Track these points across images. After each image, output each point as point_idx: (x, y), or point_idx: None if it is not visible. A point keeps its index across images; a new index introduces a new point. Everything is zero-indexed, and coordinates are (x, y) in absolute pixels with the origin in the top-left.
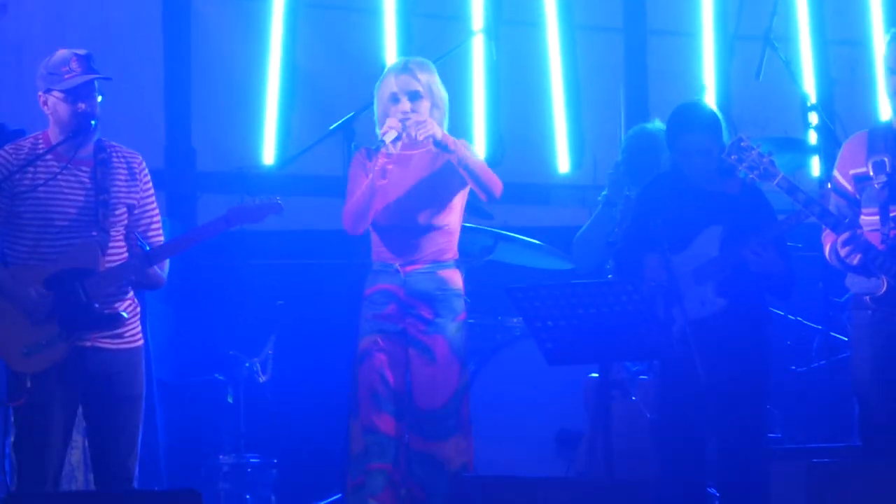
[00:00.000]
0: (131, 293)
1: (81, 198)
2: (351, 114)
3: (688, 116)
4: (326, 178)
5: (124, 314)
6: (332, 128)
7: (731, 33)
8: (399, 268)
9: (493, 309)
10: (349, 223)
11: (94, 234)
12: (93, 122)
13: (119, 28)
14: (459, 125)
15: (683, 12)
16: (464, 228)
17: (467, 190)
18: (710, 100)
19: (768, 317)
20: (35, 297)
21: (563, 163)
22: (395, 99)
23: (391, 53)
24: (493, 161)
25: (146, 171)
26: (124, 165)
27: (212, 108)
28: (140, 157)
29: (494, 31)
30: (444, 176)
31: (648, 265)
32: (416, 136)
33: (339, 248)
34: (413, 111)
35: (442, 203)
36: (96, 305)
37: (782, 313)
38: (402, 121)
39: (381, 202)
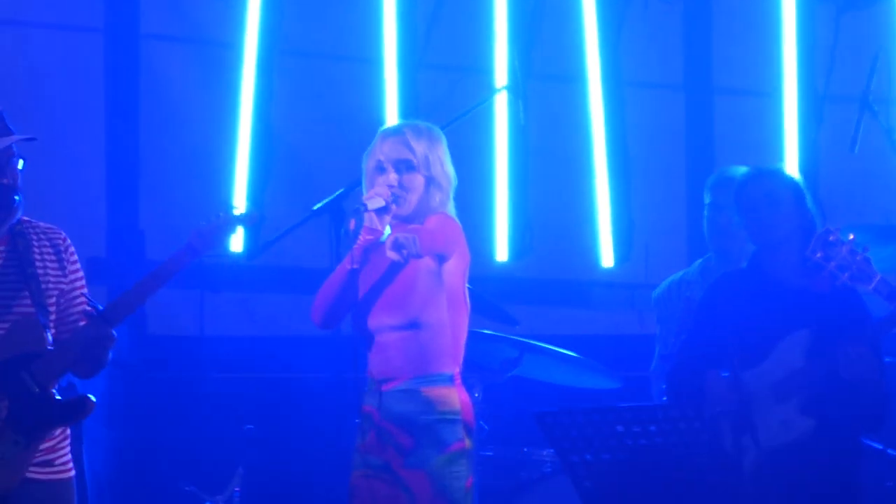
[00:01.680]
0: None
1: (4, 276)
2: (340, 190)
3: (763, 169)
4: (308, 272)
5: (91, 397)
6: (315, 208)
7: (819, 94)
8: (378, 385)
9: (518, 438)
10: (315, 313)
11: (31, 309)
12: (16, 198)
13: (47, 75)
14: (476, 206)
15: (758, 67)
16: (482, 336)
17: (456, 273)
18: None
19: (861, 449)
20: None
21: (607, 254)
22: (380, 168)
23: (392, 115)
24: (519, 252)
25: (72, 249)
26: (47, 244)
27: (165, 180)
28: (63, 233)
29: (522, 87)
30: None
31: (711, 385)
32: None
33: (324, 358)
34: (401, 186)
35: (418, 295)
36: (55, 394)
37: (880, 447)
38: (392, 191)
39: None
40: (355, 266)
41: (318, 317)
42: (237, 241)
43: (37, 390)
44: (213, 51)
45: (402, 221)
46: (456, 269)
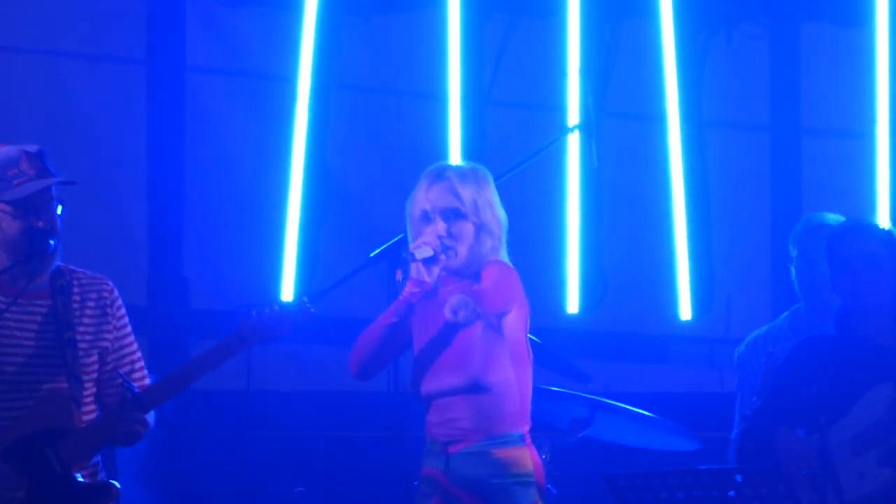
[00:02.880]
0: (97, 464)
1: (39, 339)
2: (399, 236)
3: (855, 223)
4: (363, 323)
5: (116, 483)
6: (372, 255)
7: None
8: (443, 448)
9: (588, 503)
10: (352, 364)
11: (63, 383)
12: (51, 242)
13: (88, 110)
14: (546, 254)
15: (850, 105)
16: (551, 393)
17: (517, 326)
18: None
19: None
20: None
21: (686, 307)
22: (426, 218)
23: (456, 154)
24: (591, 303)
25: (119, 301)
26: (92, 296)
27: (211, 224)
28: (110, 284)
29: (595, 126)
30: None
31: (785, 446)
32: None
33: (378, 416)
34: (450, 235)
35: (479, 355)
36: (78, 476)
37: None
38: (442, 241)
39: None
40: (397, 320)
41: (355, 368)
42: (287, 289)
43: (60, 470)
44: (264, 84)
45: (453, 273)
46: (517, 322)
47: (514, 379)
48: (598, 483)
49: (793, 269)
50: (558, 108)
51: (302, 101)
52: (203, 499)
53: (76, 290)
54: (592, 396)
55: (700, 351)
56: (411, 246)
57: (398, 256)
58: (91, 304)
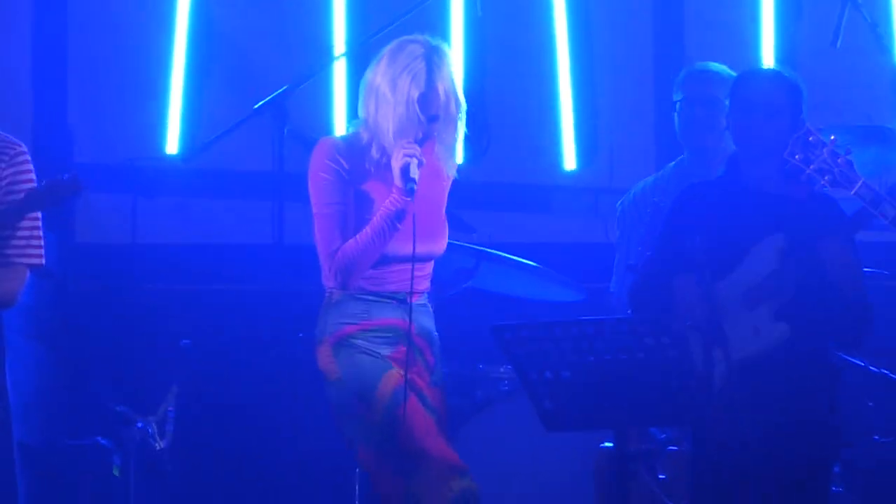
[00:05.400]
0: None
1: None
2: (283, 88)
3: (760, 68)
4: (248, 175)
5: None
6: (256, 106)
7: None
8: (403, 298)
9: (473, 355)
10: (344, 277)
11: None
12: None
13: None
14: None
15: None
16: None
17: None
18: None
19: (838, 364)
20: None
21: (570, 156)
22: (432, 117)
23: (339, 4)
24: (474, 154)
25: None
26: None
27: (95, 77)
28: (22, 146)
29: None
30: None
31: (682, 294)
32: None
33: (265, 268)
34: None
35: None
36: None
37: (861, 364)
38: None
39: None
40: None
41: (348, 282)
42: (172, 142)
43: None
44: None
45: None
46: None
47: None
48: (484, 334)
49: (676, 116)
50: None
51: None
52: (90, 352)
53: None
54: (476, 246)
55: (584, 201)
56: (397, 163)
57: (282, 108)
58: None
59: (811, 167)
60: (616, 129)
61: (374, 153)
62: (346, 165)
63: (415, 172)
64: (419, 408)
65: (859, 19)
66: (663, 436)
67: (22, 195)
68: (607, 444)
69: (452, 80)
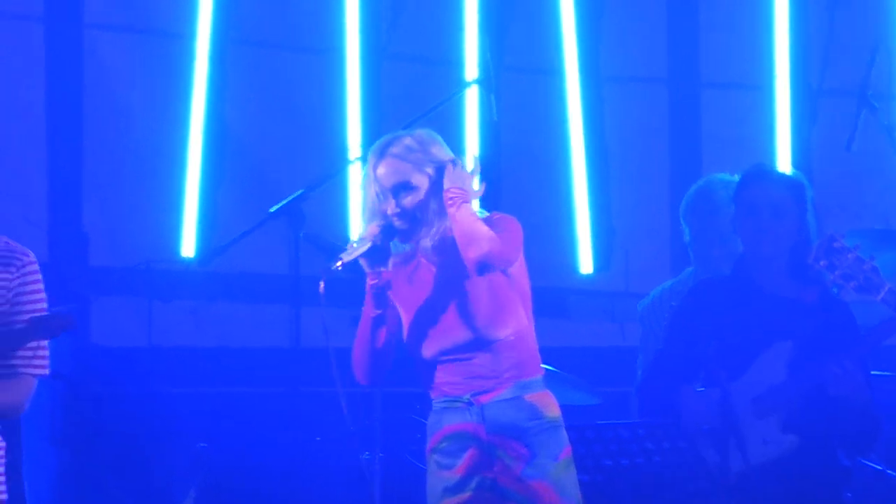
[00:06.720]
0: None
1: None
2: (298, 192)
3: (763, 169)
4: (264, 278)
5: None
6: (272, 210)
7: (814, 88)
8: (470, 399)
9: None
10: (358, 373)
11: None
12: None
13: None
14: None
15: (748, 59)
16: None
17: (523, 268)
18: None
19: (848, 471)
20: None
21: (586, 260)
22: (382, 197)
23: (354, 109)
24: None
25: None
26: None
27: (110, 180)
28: (30, 255)
29: (494, 80)
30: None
31: (686, 403)
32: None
33: (282, 371)
34: (404, 211)
35: (489, 304)
36: None
37: (880, 468)
38: (383, 226)
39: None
40: (378, 312)
41: (364, 376)
42: (188, 245)
43: None
44: (162, 41)
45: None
46: (522, 268)
47: (527, 323)
48: None
49: (690, 252)
50: (456, 62)
51: (200, 56)
52: (107, 455)
53: None
54: None
55: (600, 305)
56: (344, 253)
57: (298, 211)
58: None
59: (837, 273)
60: (632, 233)
61: None
62: None
63: (361, 249)
64: None
65: (874, 122)
66: None
67: (25, 307)
68: None
69: (412, 166)
